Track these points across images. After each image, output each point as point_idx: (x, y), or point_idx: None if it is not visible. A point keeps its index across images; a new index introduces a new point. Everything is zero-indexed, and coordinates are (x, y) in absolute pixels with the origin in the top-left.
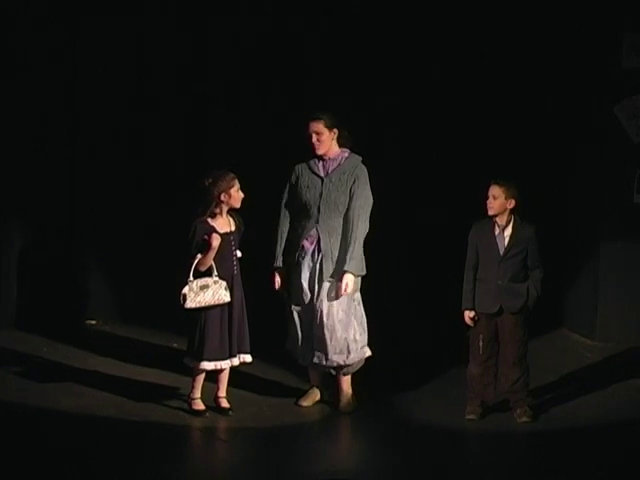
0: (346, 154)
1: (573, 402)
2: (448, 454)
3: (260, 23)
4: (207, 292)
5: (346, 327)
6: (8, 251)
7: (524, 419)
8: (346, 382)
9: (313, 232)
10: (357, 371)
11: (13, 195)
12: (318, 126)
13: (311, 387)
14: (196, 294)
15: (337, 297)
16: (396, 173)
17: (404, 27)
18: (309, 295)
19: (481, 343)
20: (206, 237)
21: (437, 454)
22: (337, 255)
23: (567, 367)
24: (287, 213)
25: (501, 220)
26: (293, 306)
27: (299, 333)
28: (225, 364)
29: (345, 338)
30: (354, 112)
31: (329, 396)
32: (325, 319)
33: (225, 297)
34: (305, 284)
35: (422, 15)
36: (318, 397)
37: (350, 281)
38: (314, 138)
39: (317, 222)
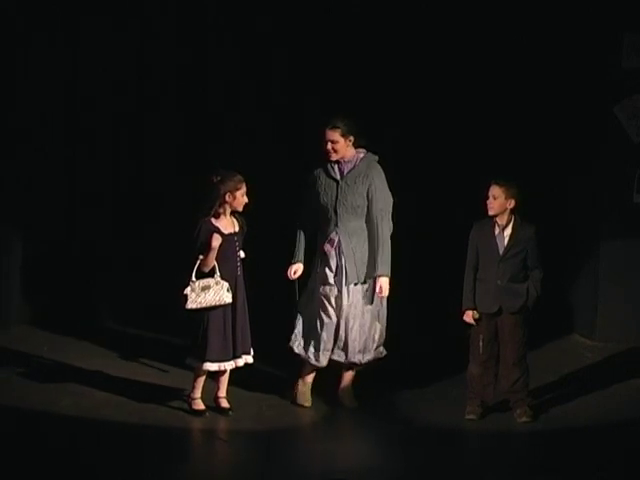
0: (362, 154)
1: (573, 402)
2: (448, 454)
3: (260, 23)
4: (208, 293)
5: (370, 329)
6: (8, 251)
7: (524, 419)
8: (349, 377)
9: (333, 235)
10: (357, 371)
11: (13, 195)
12: (334, 135)
13: (303, 383)
14: (197, 295)
15: (363, 299)
16: (396, 173)
17: (405, 27)
18: (334, 298)
19: (481, 343)
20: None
21: (437, 454)
22: (360, 257)
23: (567, 367)
24: (306, 216)
25: (501, 220)
26: (321, 308)
27: (322, 334)
28: (229, 365)
29: (366, 339)
30: (354, 112)
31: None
32: (351, 321)
33: (226, 298)
34: (333, 286)
35: (423, 15)
36: (310, 393)
37: (385, 284)
38: (329, 146)
39: (336, 225)
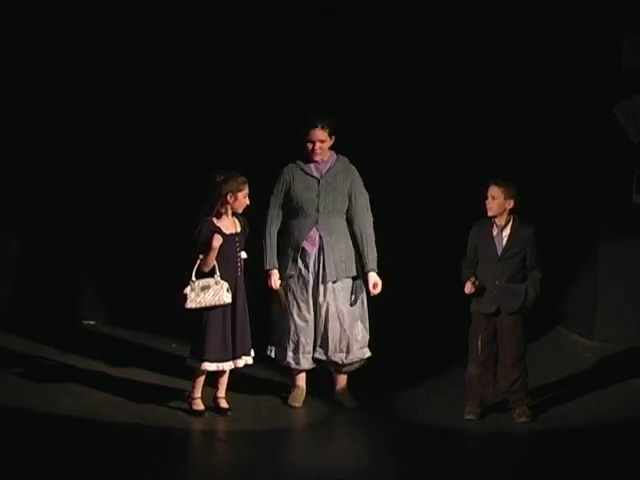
0: (335, 156)
1: (572, 402)
2: (447, 454)
3: (260, 23)
4: (208, 293)
5: (351, 327)
6: (8, 251)
7: (523, 419)
8: (343, 380)
9: (313, 232)
10: (356, 371)
11: (10, 195)
12: (323, 134)
13: (297, 387)
14: (197, 294)
15: (342, 297)
16: (396, 173)
17: (405, 27)
18: (311, 298)
19: (480, 343)
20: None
21: (436, 454)
22: (338, 255)
23: (566, 367)
24: (278, 216)
25: (500, 220)
26: (295, 310)
27: (299, 336)
28: (227, 366)
29: (348, 337)
30: (354, 112)
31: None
32: (330, 319)
33: (226, 298)
34: (309, 285)
35: (423, 15)
36: (304, 395)
37: (378, 279)
38: (317, 145)
39: (316, 222)
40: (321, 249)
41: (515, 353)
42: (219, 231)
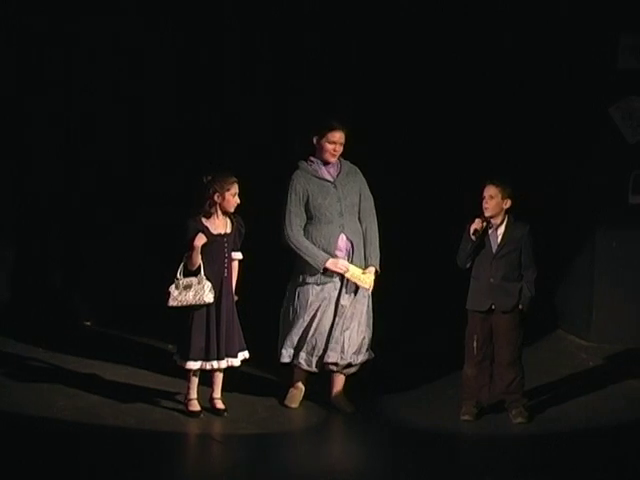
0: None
1: (569, 403)
2: (444, 455)
3: (260, 23)
4: (189, 292)
5: (365, 328)
6: (4, 251)
7: (519, 420)
8: (340, 383)
9: (341, 239)
10: (347, 376)
11: (8, 194)
12: (344, 137)
13: (295, 387)
14: (180, 293)
15: (363, 297)
16: (396, 173)
17: (404, 27)
18: (335, 301)
19: (475, 344)
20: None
21: (433, 455)
22: (362, 256)
23: (562, 368)
24: (301, 225)
25: (495, 219)
26: (319, 314)
27: (317, 340)
28: (209, 365)
29: (363, 338)
30: (353, 112)
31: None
32: (348, 321)
33: (207, 298)
34: (336, 290)
35: (421, 16)
36: (301, 397)
37: (372, 279)
38: (337, 147)
39: (342, 227)
40: (352, 253)
41: (511, 354)
42: (204, 231)
